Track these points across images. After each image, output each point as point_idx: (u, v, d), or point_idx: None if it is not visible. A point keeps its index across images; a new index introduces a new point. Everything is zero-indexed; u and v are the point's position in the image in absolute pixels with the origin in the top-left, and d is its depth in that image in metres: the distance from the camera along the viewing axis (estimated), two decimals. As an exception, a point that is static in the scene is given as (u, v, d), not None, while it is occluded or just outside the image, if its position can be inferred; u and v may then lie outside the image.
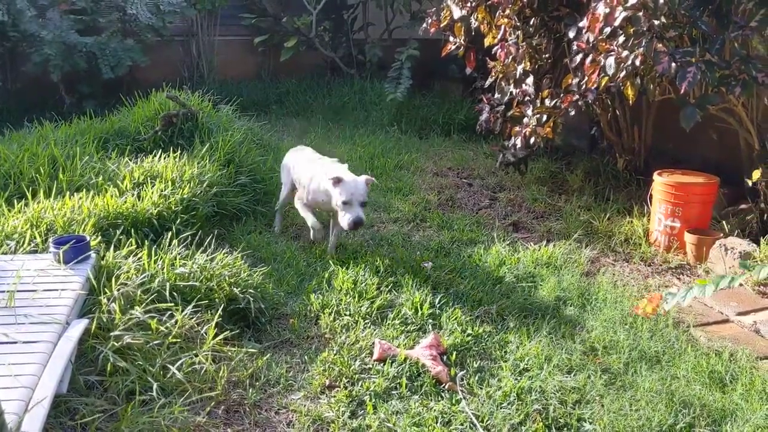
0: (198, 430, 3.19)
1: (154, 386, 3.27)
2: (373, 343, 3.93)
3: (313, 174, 4.92)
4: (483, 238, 5.63)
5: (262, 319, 4.19)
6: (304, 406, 3.43)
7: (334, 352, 3.88)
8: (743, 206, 5.92)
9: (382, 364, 3.76)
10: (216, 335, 3.78)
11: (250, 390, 3.51)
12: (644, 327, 4.19)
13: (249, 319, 4.15)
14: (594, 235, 5.79)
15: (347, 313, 4.28)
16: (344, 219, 4.51)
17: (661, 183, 5.55)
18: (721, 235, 5.28)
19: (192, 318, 3.80)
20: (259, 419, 3.34)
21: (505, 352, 3.92)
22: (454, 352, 3.89)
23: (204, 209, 5.22)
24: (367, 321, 4.21)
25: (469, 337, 4.03)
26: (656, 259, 5.38)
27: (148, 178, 5.33)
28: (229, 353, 3.76)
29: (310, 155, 5.41)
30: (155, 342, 3.53)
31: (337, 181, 4.49)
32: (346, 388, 3.56)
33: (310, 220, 5.11)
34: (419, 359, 3.77)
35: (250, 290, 4.18)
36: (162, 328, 3.61)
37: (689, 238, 5.31)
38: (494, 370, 3.72)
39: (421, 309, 4.33)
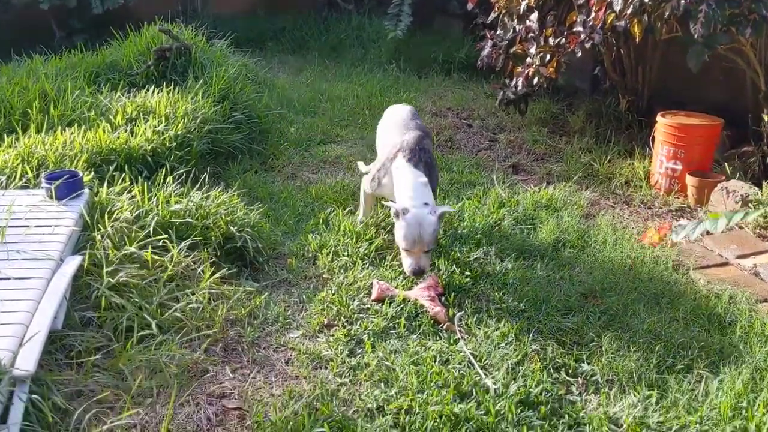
0: (196, 367, 3.18)
1: (153, 323, 3.23)
2: (372, 283, 3.90)
3: (387, 157, 4.16)
4: (482, 180, 5.57)
5: (260, 258, 4.15)
6: (303, 344, 3.41)
7: (333, 292, 3.85)
8: (746, 149, 5.85)
9: (380, 305, 3.74)
10: (213, 274, 3.74)
11: (248, 328, 3.49)
12: (644, 269, 4.16)
13: (246, 258, 4.11)
14: (594, 178, 5.72)
15: (345, 253, 4.23)
16: (404, 263, 3.83)
17: (664, 124, 5.46)
18: (723, 177, 5.22)
19: (188, 256, 3.75)
20: (258, 357, 3.32)
21: (503, 293, 3.90)
22: (453, 294, 3.86)
23: (198, 146, 5.12)
24: (365, 262, 4.17)
25: (468, 279, 3.99)
26: (656, 202, 5.33)
27: (141, 114, 5.22)
28: (227, 292, 3.72)
29: (402, 121, 4.46)
30: (151, 278, 3.48)
31: (401, 214, 3.73)
32: (344, 327, 3.54)
33: (361, 214, 4.56)
34: (417, 300, 3.74)
35: (247, 229, 4.12)
36: (158, 263, 3.56)
37: (690, 181, 5.25)
38: (492, 311, 3.70)
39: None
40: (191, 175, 4.63)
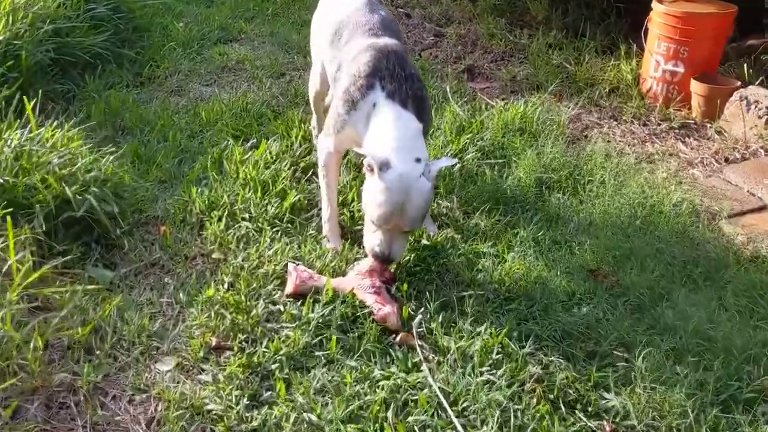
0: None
1: None
2: (286, 268, 2.63)
3: (350, 86, 2.66)
4: (431, 91, 4.22)
5: (117, 230, 2.80)
6: (176, 386, 2.16)
7: (226, 285, 2.57)
8: (752, 42, 4.69)
9: (299, 302, 2.49)
10: (38, 265, 2.40)
11: (87, 365, 2.20)
12: (661, 223, 3.02)
13: (95, 232, 2.75)
14: (570, 84, 4.48)
15: (246, 216, 2.92)
16: (368, 240, 2.55)
17: (662, 13, 4.21)
18: (738, 83, 4.06)
19: (-9, 242, 2.38)
20: (100, 418, 2.06)
21: (477, 271, 2.70)
22: (406, 278, 2.64)
23: (32, 55, 3.59)
24: (276, 229, 2.88)
25: (426, 252, 2.77)
26: (653, 117, 4.15)
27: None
28: (58, 296, 2.40)
29: (360, 14, 2.93)
30: None
31: (377, 168, 2.41)
32: (242, 350, 2.29)
33: (326, 211, 2.88)
34: (356, 294, 2.51)
35: (93, 188, 2.74)
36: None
37: (697, 88, 4.07)
38: (466, 305, 2.51)
39: (354, 210, 3.03)
40: (16, 100, 3.15)
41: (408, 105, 2.54)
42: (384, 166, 2.39)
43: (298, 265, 2.60)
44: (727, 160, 3.68)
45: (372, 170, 2.42)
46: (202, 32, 5.04)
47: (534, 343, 2.36)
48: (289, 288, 2.53)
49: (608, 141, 3.87)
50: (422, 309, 2.50)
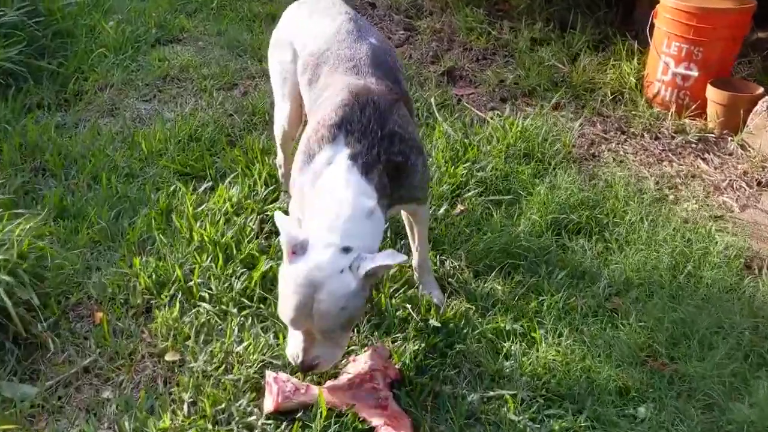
0: None
1: None
2: (262, 372, 2.04)
3: (313, 135, 2.04)
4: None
5: (39, 325, 2.16)
6: None
7: (185, 406, 1.96)
8: (760, 35, 4.23)
9: (283, 425, 1.91)
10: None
11: None
12: (713, 280, 2.52)
13: (9, 330, 2.11)
14: (567, 90, 3.93)
15: (206, 294, 2.31)
16: (288, 342, 1.95)
17: (671, 8, 3.68)
18: (761, 89, 3.58)
19: None
20: None
21: (503, 358, 2.16)
22: (416, 379, 2.08)
23: None
24: (245, 312, 2.27)
25: (437, 338, 2.21)
26: (665, 128, 3.64)
27: None
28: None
29: (343, 41, 2.28)
30: None
31: (289, 251, 1.84)
32: None
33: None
34: (355, 409, 1.93)
35: (4, 275, 2.09)
36: None
37: (716, 96, 3.57)
38: (495, 413, 1.97)
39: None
40: None
41: (373, 174, 1.91)
42: (298, 250, 1.80)
43: (278, 374, 2.00)
44: (760, 183, 3.20)
45: (287, 252, 1.84)
46: (137, 32, 4.32)
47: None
48: (269, 405, 1.94)
49: (621, 161, 3.35)
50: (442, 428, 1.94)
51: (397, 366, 2.09)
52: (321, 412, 1.90)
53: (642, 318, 2.31)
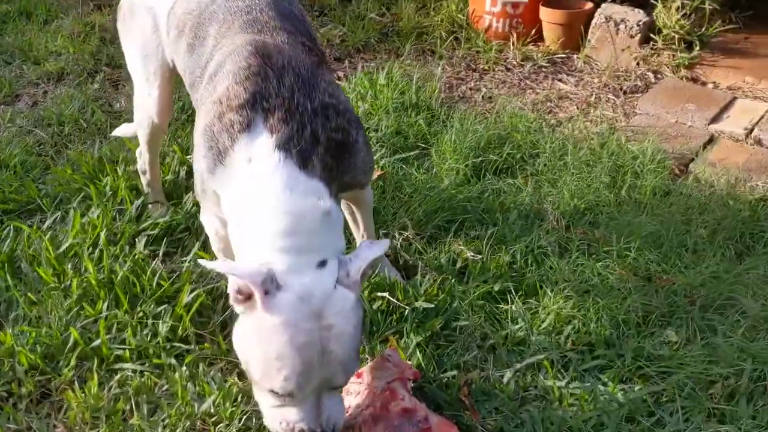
0: None
1: None
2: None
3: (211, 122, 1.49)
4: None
5: None
6: None
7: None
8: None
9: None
10: None
11: None
12: (651, 188, 2.41)
13: None
14: (400, 40, 3.65)
15: (125, 349, 1.70)
16: (274, 420, 1.39)
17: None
18: (590, 4, 3.59)
19: None
20: None
21: (512, 322, 1.85)
22: (438, 372, 1.69)
23: None
24: (187, 357, 1.71)
25: (437, 321, 1.82)
26: (510, 59, 3.52)
27: None
28: None
29: None
30: None
31: (259, 293, 1.30)
32: None
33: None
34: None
35: None
36: None
37: (552, 16, 3.52)
38: (533, 381, 1.66)
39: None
40: None
41: (313, 162, 1.42)
42: (270, 289, 1.31)
43: None
44: (625, 92, 3.20)
45: (246, 299, 1.34)
46: None
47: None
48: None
49: (489, 97, 3.16)
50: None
51: (409, 363, 1.68)
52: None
53: (623, 240, 2.12)
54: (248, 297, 1.32)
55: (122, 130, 2.40)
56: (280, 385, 1.31)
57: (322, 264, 1.36)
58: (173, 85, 1.98)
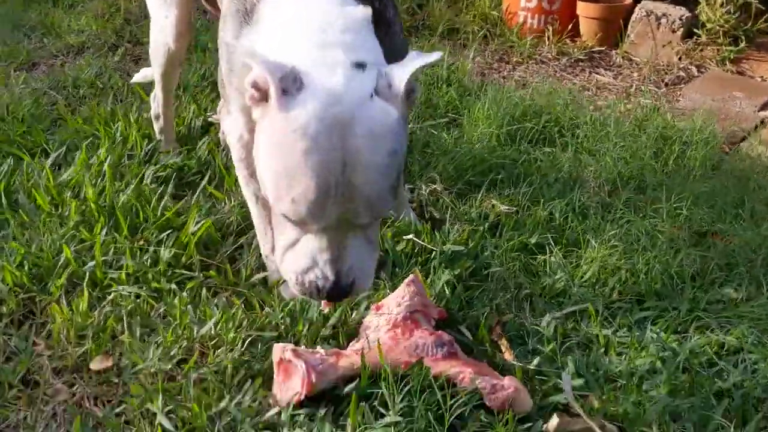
0: None
1: None
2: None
3: None
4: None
5: None
6: None
7: (161, 421, 1.20)
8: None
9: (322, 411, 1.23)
10: None
11: None
12: (699, 159, 2.23)
13: None
14: (430, 35, 3.54)
15: (121, 273, 1.53)
16: (286, 262, 1.19)
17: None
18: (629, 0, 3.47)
19: None
20: None
21: (546, 274, 1.66)
22: (467, 312, 1.51)
23: None
24: (190, 283, 1.53)
25: (467, 264, 1.64)
26: (546, 54, 3.39)
27: None
28: None
29: None
30: None
31: (274, 91, 1.10)
32: None
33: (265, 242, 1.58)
34: (431, 367, 1.30)
35: None
36: None
37: (590, 11, 3.39)
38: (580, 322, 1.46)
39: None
40: None
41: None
42: (290, 86, 1.10)
43: (295, 350, 1.29)
44: (667, 84, 3.04)
45: (262, 99, 1.14)
46: None
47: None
48: (296, 389, 1.25)
49: (523, 84, 3.02)
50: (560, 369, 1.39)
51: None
52: (362, 378, 1.25)
53: (673, 198, 1.93)
54: (265, 96, 1.12)
55: (142, 74, 2.28)
56: (289, 208, 1.10)
57: (359, 66, 1.13)
58: (192, 8, 1.86)
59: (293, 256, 1.17)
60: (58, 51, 3.14)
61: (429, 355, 1.31)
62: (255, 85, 1.12)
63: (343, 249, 1.15)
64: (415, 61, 1.14)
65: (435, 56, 1.16)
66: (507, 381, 1.27)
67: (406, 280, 1.45)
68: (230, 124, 1.48)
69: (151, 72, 2.12)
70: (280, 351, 1.28)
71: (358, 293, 1.23)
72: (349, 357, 1.30)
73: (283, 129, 1.08)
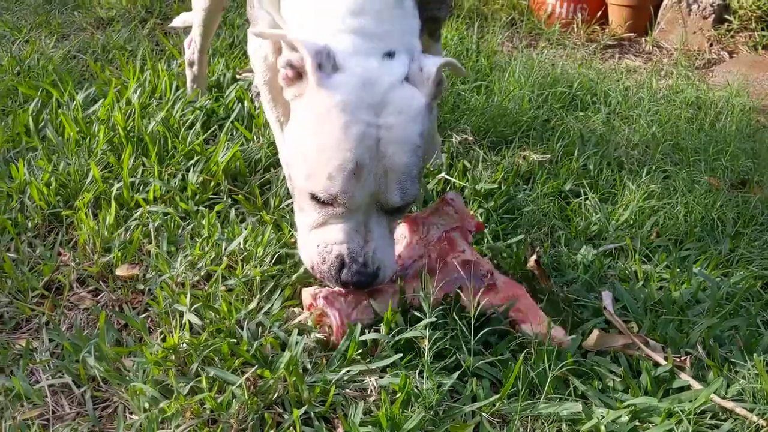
0: None
1: None
2: (306, 298, 1.26)
3: None
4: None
5: None
6: None
7: (189, 318, 1.17)
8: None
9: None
10: None
11: None
12: (735, 124, 2.19)
13: None
14: (457, 17, 3.53)
15: (149, 195, 1.50)
16: (307, 246, 1.19)
17: None
18: (661, -11, 3.45)
19: None
20: None
21: (582, 216, 1.61)
22: (501, 241, 1.46)
23: None
24: (218, 206, 1.50)
25: (501, 199, 1.61)
26: (574, 40, 3.37)
27: None
28: None
29: None
30: None
31: (311, 69, 1.12)
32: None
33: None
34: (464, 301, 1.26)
35: None
36: None
37: (620, -1, 3.39)
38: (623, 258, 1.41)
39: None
40: None
41: None
42: (324, 63, 1.12)
43: (327, 297, 1.23)
44: (698, 68, 3.00)
45: (297, 78, 1.16)
46: None
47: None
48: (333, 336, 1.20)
49: (552, 64, 2.98)
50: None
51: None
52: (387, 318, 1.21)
53: (712, 150, 1.89)
54: (299, 75, 1.13)
55: (181, 19, 2.28)
56: (323, 185, 1.10)
57: (390, 55, 1.17)
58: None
59: (320, 234, 1.17)
60: (88, 24, 3.16)
61: (465, 288, 1.25)
62: (290, 64, 1.15)
63: (369, 233, 1.16)
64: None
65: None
66: (554, 331, 1.21)
67: (445, 196, 1.39)
68: (255, 48, 1.47)
69: (190, 17, 2.11)
70: (311, 297, 1.23)
71: (379, 282, 1.20)
72: (384, 294, 1.24)
73: (324, 103, 1.11)
